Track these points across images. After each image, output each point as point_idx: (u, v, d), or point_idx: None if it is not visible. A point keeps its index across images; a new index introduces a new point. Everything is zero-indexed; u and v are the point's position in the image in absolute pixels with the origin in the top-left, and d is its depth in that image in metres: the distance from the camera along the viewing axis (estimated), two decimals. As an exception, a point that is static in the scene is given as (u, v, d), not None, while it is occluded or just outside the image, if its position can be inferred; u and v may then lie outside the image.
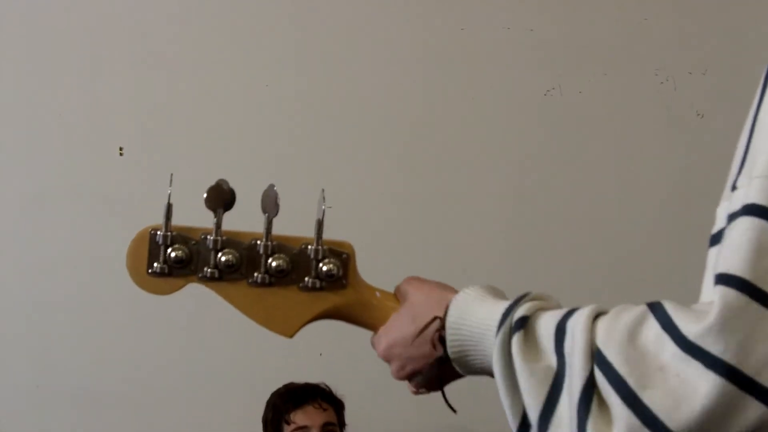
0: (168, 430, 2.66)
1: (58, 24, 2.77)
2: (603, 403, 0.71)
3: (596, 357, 0.72)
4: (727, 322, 0.66)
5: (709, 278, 0.74)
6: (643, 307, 0.73)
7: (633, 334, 0.71)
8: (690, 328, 0.68)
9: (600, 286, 2.74)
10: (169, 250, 0.99)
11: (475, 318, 0.88)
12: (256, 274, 1.00)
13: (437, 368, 0.91)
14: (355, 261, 1.05)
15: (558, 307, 0.83)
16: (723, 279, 0.69)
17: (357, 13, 2.84)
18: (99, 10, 2.79)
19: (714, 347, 0.67)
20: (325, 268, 1.02)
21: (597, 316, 0.76)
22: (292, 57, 2.80)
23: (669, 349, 0.69)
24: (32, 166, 2.73)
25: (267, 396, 2.29)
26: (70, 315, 2.64)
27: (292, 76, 2.79)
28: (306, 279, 1.01)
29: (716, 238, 0.75)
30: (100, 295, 2.57)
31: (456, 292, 0.94)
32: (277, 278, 1.00)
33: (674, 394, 0.67)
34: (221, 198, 1.01)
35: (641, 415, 0.68)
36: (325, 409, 2.17)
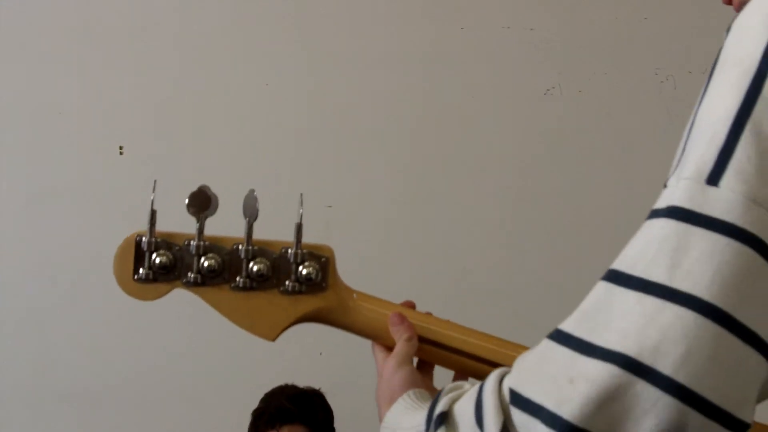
0: (167, 429, 2.66)
1: (58, 23, 2.77)
2: None
3: (511, 399, 0.71)
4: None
5: None
6: (544, 340, 0.73)
7: (541, 364, 0.71)
8: (565, 324, 0.70)
9: (600, 286, 2.74)
10: (153, 255, 1.01)
11: (404, 429, 0.89)
12: (238, 279, 1.02)
13: None
14: (334, 264, 1.06)
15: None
16: (613, 276, 0.70)
17: (357, 12, 2.84)
18: (99, 9, 2.79)
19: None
20: (304, 272, 1.03)
21: (504, 375, 0.75)
22: (292, 57, 2.80)
23: (559, 351, 0.69)
24: (32, 166, 2.73)
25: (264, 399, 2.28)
26: (69, 315, 2.64)
27: (292, 76, 2.79)
28: (287, 283, 1.03)
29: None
30: (100, 295, 2.57)
31: (413, 386, 0.96)
32: (259, 282, 1.02)
33: (558, 393, 0.67)
34: (203, 204, 1.02)
35: (562, 428, 0.66)
36: None
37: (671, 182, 0.72)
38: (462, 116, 2.82)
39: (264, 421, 2.13)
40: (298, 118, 2.79)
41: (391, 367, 1.00)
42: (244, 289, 1.02)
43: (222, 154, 2.74)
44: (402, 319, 1.06)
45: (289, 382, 2.27)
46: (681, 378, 0.64)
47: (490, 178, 2.79)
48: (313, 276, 1.03)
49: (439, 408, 0.81)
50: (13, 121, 2.74)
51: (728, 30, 0.75)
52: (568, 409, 0.66)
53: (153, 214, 1.02)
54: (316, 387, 2.25)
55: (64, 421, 2.64)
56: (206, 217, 1.02)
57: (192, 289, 1.02)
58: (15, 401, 2.63)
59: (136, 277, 1.01)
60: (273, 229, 3.00)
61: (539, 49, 2.84)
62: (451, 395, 0.83)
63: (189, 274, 1.01)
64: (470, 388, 0.82)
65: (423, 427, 0.84)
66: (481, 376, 0.98)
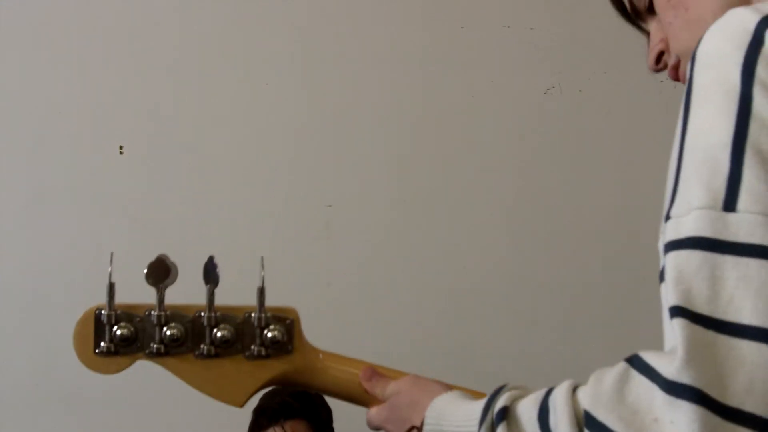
0: (167, 429, 2.66)
1: (58, 23, 2.77)
2: None
3: (586, 422, 0.71)
4: (695, 354, 0.66)
5: (666, 316, 0.73)
6: (622, 365, 0.72)
7: (621, 392, 0.70)
8: (667, 369, 0.67)
9: (599, 286, 2.74)
10: (114, 328, 1.01)
11: (453, 420, 0.88)
12: (202, 346, 1.01)
13: None
14: (300, 325, 1.04)
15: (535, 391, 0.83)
16: (679, 312, 0.68)
17: (356, 12, 2.84)
18: (99, 9, 2.79)
19: (690, 380, 0.66)
20: (269, 335, 1.02)
21: (576, 387, 0.75)
22: (292, 57, 2.80)
23: (658, 396, 0.67)
24: (32, 166, 2.73)
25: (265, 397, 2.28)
26: (69, 315, 2.63)
27: (292, 75, 2.79)
28: (252, 347, 1.02)
29: (662, 274, 0.74)
30: (100, 295, 2.56)
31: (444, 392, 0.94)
32: (223, 349, 1.01)
33: None
34: (162, 274, 1.01)
35: None
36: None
37: (677, 213, 0.72)
38: (462, 116, 2.82)
39: (267, 417, 2.13)
40: (298, 118, 2.79)
41: (406, 385, 0.98)
42: (209, 356, 1.01)
43: (222, 154, 2.74)
44: (373, 372, 1.04)
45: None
46: (760, 411, 0.64)
47: (490, 178, 2.79)
48: (279, 339, 1.02)
49: (501, 402, 0.81)
50: (13, 121, 2.74)
51: (693, 58, 0.76)
52: None
53: (111, 287, 1.02)
54: None
55: (64, 421, 2.64)
56: (166, 287, 1.00)
57: (155, 359, 1.02)
58: (15, 401, 2.63)
59: (97, 351, 1.02)
60: (273, 229, 2.99)
61: (539, 49, 2.84)
62: (512, 393, 0.83)
63: (152, 344, 1.01)
64: (529, 389, 0.82)
65: (476, 422, 0.83)
66: None
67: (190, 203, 2.67)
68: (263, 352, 1.02)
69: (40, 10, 2.76)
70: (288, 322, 1.03)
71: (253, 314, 1.02)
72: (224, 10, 2.82)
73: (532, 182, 2.80)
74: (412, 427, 0.92)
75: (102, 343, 1.01)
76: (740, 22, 0.73)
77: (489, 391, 0.86)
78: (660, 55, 1.01)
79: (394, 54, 2.82)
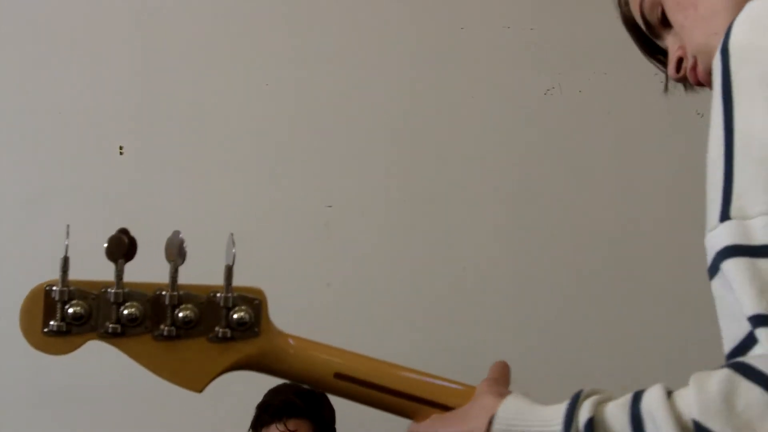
0: (168, 427, 2.66)
1: (58, 23, 2.77)
2: None
3: (696, 431, 0.68)
4: None
5: (727, 311, 0.72)
6: (726, 370, 0.69)
7: (731, 401, 0.67)
8: (756, 360, 0.66)
9: (599, 285, 2.74)
10: (66, 306, 0.94)
11: (528, 423, 0.82)
12: (162, 327, 0.94)
13: None
14: (267, 307, 0.97)
15: (613, 396, 0.79)
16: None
17: (356, 12, 2.84)
18: (99, 9, 2.79)
19: None
20: (235, 316, 0.95)
21: (669, 392, 0.73)
22: (292, 57, 2.80)
23: (753, 391, 0.66)
24: (32, 166, 2.73)
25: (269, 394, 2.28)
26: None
27: (292, 76, 2.79)
28: (216, 329, 0.95)
29: (714, 270, 0.73)
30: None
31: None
32: (185, 330, 0.94)
33: None
34: (121, 249, 0.95)
35: None
36: (291, 430, 2.13)
37: (739, 215, 0.70)
38: (462, 116, 2.82)
39: (269, 414, 2.13)
40: (298, 119, 2.79)
41: (485, 387, 0.92)
42: (169, 338, 0.94)
43: (222, 154, 2.74)
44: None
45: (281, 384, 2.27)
46: None
47: (490, 178, 2.79)
48: (246, 320, 0.95)
49: (586, 412, 0.77)
50: (13, 121, 2.74)
51: (724, 51, 0.74)
52: None
53: (65, 261, 0.95)
54: None
55: (64, 421, 2.64)
56: (125, 263, 0.94)
57: (110, 340, 0.94)
58: (15, 401, 2.63)
59: (46, 330, 0.94)
60: (273, 229, 2.99)
61: (539, 49, 2.84)
62: (593, 398, 0.78)
63: (107, 324, 0.94)
64: (610, 394, 0.78)
65: (559, 426, 0.78)
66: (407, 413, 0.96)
67: (190, 203, 2.67)
68: (228, 334, 0.95)
69: (40, 11, 2.76)
70: (255, 302, 0.96)
71: (218, 294, 0.95)
72: (224, 11, 2.82)
73: (532, 182, 2.80)
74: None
75: (52, 322, 0.94)
76: None
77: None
78: (679, 63, 1.01)
79: (394, 54, 2.82)
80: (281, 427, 2.11)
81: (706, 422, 0.68)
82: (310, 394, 2.17)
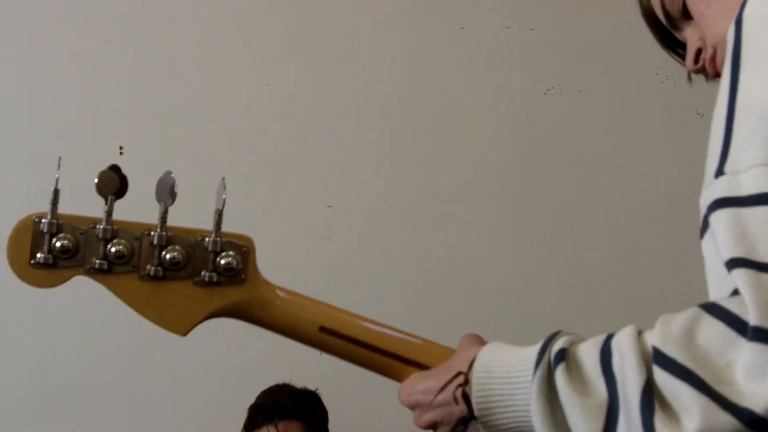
0: (164, 427, 2.66)
1: (58, 23, 2.77)
2: (665, 402, 0.68)
3: (654, 357, 0.70)
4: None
5: (713, 269, 0.73)
6: (694, 308, 0.71)
7: (692, 333, 0.69)
8: (753, 315, 0.66)
9: (600, 285, 2.74)
10: (54, 239, 0.92)
11: (504, 367, 0.84)
12: (148, 267, 0.93)
13: (461, 427, 0.87)
14: (255, 255, 0.97)
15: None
16: (744, 263, 0.68)
17: (356, 12, 2.84)
18: (99, 9, 2.79)
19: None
20: (223, 262, 0.95)
21: (639, 332, 0.74)
22: (292, 57, 2.80)
23: (736, 341, 0.67)
24: (32, 166, 2.73)
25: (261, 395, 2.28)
26: (69, 315, 2.64)
27: (292, 76, 2.79)
28: (202, 273, 0.95)
29: (704, 227, 0.74)
30: (100, 295, 2.57)
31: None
32: (172, 271, 0.94)
33: (753, 378, 0.65)
34: (112, 184, 0.96)
35: (720, 401, 0.65)
36: None
37: (732, 169, 0.71)
38: (462, 116, 2.82)
39: (261, 416, 2.13)
40: (298, 119, 2.79)
41: (466, 340, 0.95)
42: (155, 278, 0.93)
43: (222, 154, 2.74)
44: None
45: (288, 382, 2.27)
46: None
47: (490, 178, 2.79)
48: (233, 265, 0.95)
49: (559, 344, 0.79)
50: (13, 121, 2.74)
51: (738, 22, 0.76)
52: (727, 391, 0.65)
53: (56, 193, 0.94)
54: (314, 388, 2.25)
55: (64, 421, 2.64)
56: (115, 200, 0.94)
57: (96, 276, 0.93)
58: (15, 401, 2.63)
59: (32, 261, 0.92)
60: (273, 229, 2.99)
61: (539, 48, 2.84)
62: (569, 337, 0.80)
63: (94, 260, 0.93)
64: (585, 337, 0.80)
65: (531, 366, 0.80)
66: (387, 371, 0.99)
67: (190, 203, 2.67)
68: (214, 279, 0.94)
69: (40, 10, 2.76)
70: (244, 249, 0.96)
71: (207, 238, 0.95)
72: (224, 11, 2.82)
73: (532, 182, 2.80)
74: (459, 373, 0.86)
75: (39, 254, 0.92)
76: None
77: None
78: (698, 54, 1.01)
79: (394, 54, 2.82)
80: (272, 429, 2.10)
81: (664, 347, 0.69)
82: (302, 396, 2.17)
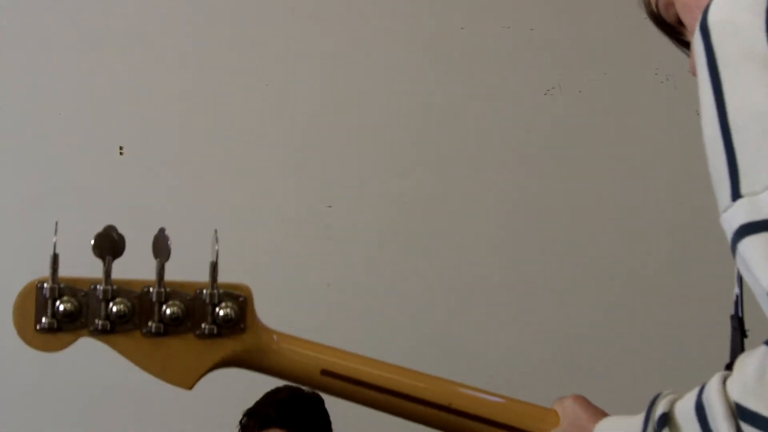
0: (165, 428, 2.66)
1: (58, 23, 2.77)
2: None
3: (739, 415, 0.69)
4: None
5: (756, 292, 0.71)
6: (763, 347, 0.70)
7: (764, 377, 0.69)
8: None
9: (600, 285, 2.74)
10: (57, 302, 0.94)
11: (620, 428, 0.90)
12: (150, 324, 0.95)
13: None
14: (252, 303, 0.98)
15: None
16: None
17: (357, 12, 2.84)
18: (99, 9, 2.79)
19: None
20: (221, 313, 0.96)
21: (726, 378, 0.74)
22: (292, 57, 2.80)
23: None
24: (32, 166, 2.73)
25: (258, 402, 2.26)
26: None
27: (292, 75, 2.79)
28: (203, 325, 0.96)
29: (734, 251, 0.73)
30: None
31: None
32: (173, 326, 0.96)
33: None
34: (109, 245, 0.96)
35: None
36: None
37: (749, 191, 0.70)
38: (462, 116, 2.82)
39: (254, 422, 2.13)
40: (298, 119, 2.79)
41: (575, 406, 0.99)
42: (157, 334, 0.95)
43: (222, 155, 2.74)
44: None
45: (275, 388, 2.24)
46: None
47: (490, 178, 2.79)
48: (231, 316, 0.96)
49: (660, 409, 0.81)
50: (13, 121, 2.74)
51: (704, 29, 0.75)
52: None
53: (55, 258, 0.95)
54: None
55: (64, 421, 2.64)
56: (113, 260, 0.95)
57: (100, 337, 0.96)
58: (15, 401, 2.63)
59: (38, 327, 0.95)
60: (274, 230, 2.98)
61: (539, 49, 2.84)
62: (669, 397, 0.82)
63: (96, 321, 0.95)
64: (678, 394, 0.82)
65: (640, 424, 0.83)
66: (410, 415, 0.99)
67: (190, 204, 2.67)
68: (215, 331, 0.96)
69: (40, 10, 2.76)
70: (241, 299, 0.97)
71: (204, 290, 0.96)
72: (225, 11, 2.82)
73: (532, 182, 2.80)
74: None
75: (43, 319, 0.94)
76: None
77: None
78: None
79: (394, 54, 2.82)
80: None
81: (745, 402, 0.69)
82: (300, 404, 2.14)
